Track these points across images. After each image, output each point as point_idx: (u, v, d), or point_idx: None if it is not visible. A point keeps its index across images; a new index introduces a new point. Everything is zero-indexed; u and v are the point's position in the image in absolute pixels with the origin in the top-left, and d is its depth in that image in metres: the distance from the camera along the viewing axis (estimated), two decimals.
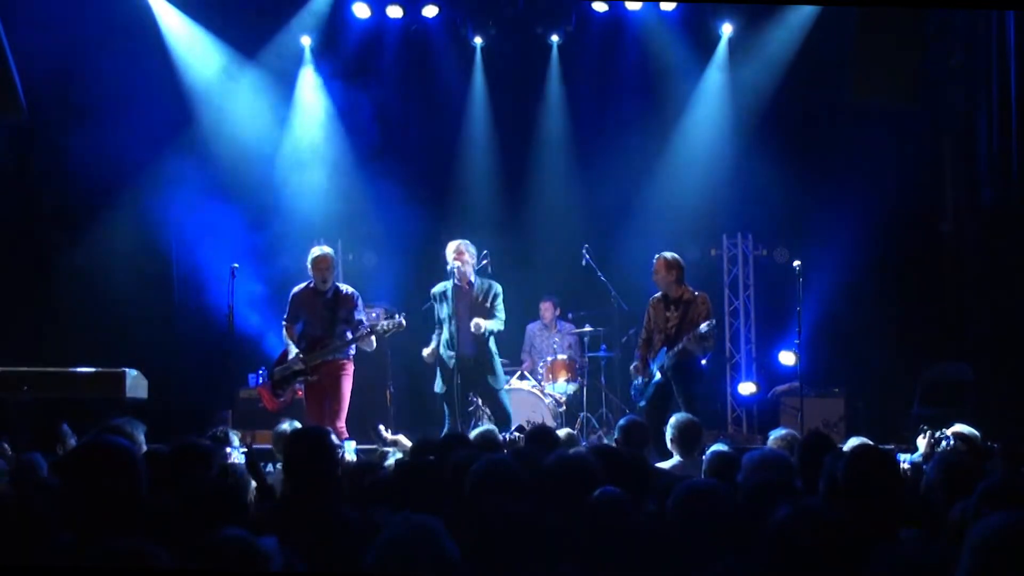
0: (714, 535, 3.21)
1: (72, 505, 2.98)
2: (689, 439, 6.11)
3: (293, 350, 8.09)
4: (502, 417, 8.29)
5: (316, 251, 8.15)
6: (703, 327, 7.93)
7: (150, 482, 3.22)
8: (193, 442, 4.60)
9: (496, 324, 8.39)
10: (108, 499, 2.96)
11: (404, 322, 8.01)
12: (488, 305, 8.42)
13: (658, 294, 8.44)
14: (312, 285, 8.08)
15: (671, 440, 6.17)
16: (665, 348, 8.17)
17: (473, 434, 5.85)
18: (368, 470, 4.96)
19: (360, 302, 8.15)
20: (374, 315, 9.24)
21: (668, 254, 8.36)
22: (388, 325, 7.96)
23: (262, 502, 4.41)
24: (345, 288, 8.17)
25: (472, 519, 3.31)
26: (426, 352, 8.52)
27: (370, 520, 3.63)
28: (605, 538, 3.23)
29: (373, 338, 7.99)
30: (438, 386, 8.46)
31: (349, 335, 7.97)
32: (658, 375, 8.17)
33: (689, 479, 4.06)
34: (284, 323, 8.30)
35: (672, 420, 6.25)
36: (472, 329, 8.23)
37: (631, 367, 8.58)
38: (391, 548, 2.57)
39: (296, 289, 8.23)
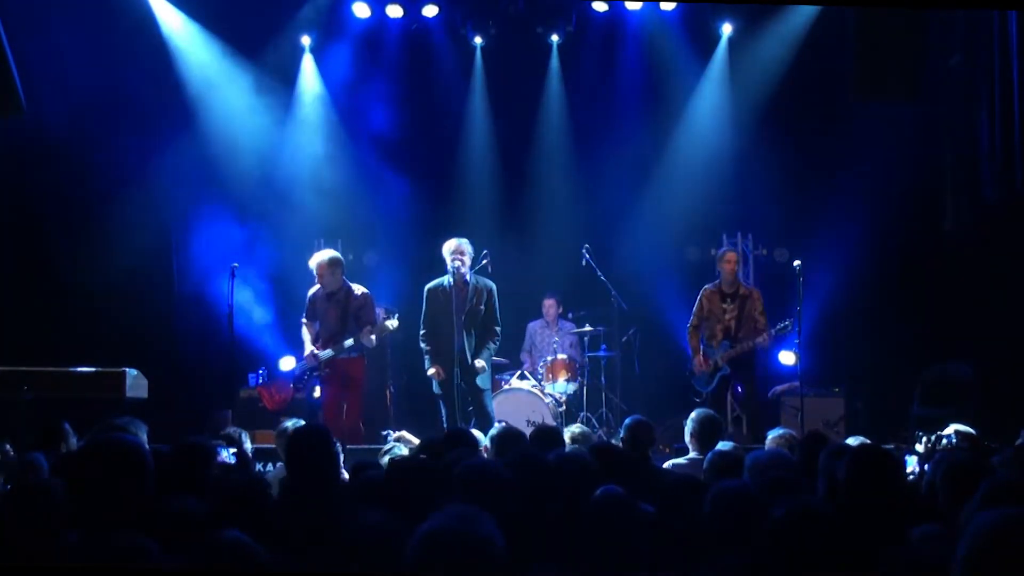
0: (739, 536, 3.18)
1: (79, 503, 2.97)
2: (708, 435, 6.09)
3: (308, 347, 8.40)
4: (483, 418, 8.31)
5: (312, 259, 8.45)
6: (779, 326, 8.46)
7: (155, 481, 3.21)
8: (194, 442, 4.59)
9: (491, 351, 8.55)
10: (115, 497, 2.94)
11: (397, 323, 8.30)
12: (482, 307, 8.44)
13: (711, 286, 8.89)
14: (324, 291, 8.43)
15: (689, 435, 6.15)
16: (727, 342, 8.63)
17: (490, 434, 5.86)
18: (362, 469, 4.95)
19: (371, 302, 8.45)
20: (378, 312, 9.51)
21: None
22: (388, 325, 8.24)
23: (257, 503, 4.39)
24: (357, 289, 8.45)
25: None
26: (432, 371, 8.47)
27: (368, 520, 3.62)
28: (606, 537, 3.21)
29: (373, 336, 8.24)
30: (435, 386, 8.47)
31: (354, 332, 8.23)
32: (726, 367, 8.62)
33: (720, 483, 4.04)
34: (303, 321, 8.56)
35: (692, 415, 6.23)
36: (477, 368, 8.35)
37: (694, 362, 8.87)
38: (434, 539, 2.47)
39: (312, 290, 8.53)
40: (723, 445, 5.66)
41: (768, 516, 3.06)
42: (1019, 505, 2.62)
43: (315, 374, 8.38)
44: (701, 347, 8.86)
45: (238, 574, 2.81)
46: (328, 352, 8.30)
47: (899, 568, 2.91)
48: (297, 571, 3.19)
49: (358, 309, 8.31)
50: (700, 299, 8.89)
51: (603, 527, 3.31)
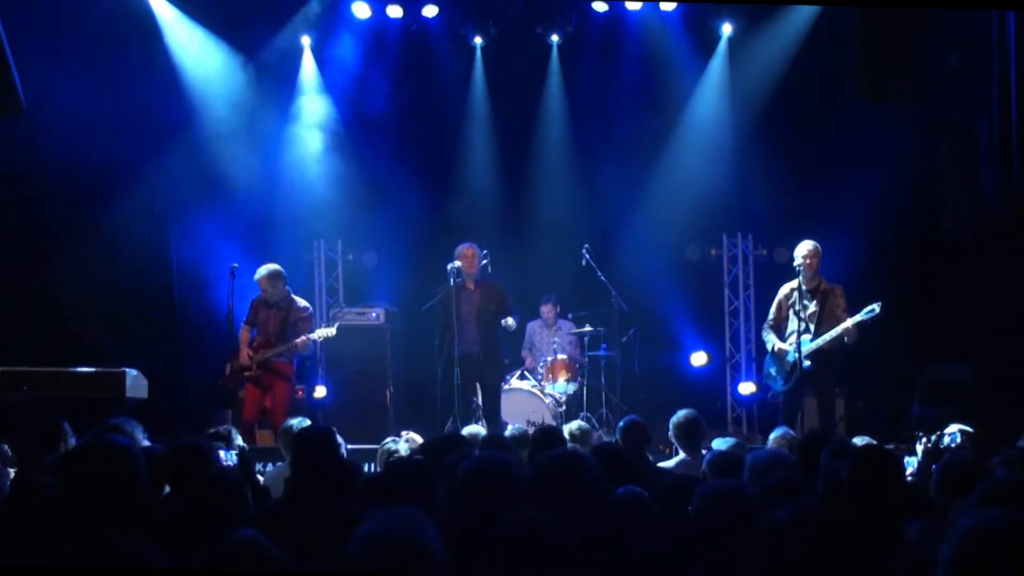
0: (739, 538, 3.17)
1: (73, 504, 2.98)
2: (693, 435, 6.11)
3: (244, 351, 8.72)
4: (492, 415, 8.47)
5: (257, 272, 8.79)
6: (866, 312, 8.12)
7: (149, 481, 3.21)
8: (192, 441, 4.60)
9: (512, 319, 8.99)
10: (108, 498, 2.95)
11: (334, 331, 8.87)
12: (495, 308, 8.80)
13: (792, 283, 8.54)
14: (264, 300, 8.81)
15: (675, 437, 6.17)
16: (811, 338, 8.29)
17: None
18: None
19: (310, 316, 8.93)
20: (373, 314, 10.26)
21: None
22: (324, 333, 8.76)
23: (258, 503, 4.39)
24: (300, 302, 8.90)
25: (468, 521, 3.29)
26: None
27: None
28: (628, 539, 3.19)
29: (308, 343, 8.77)
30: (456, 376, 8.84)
31: (289, 340, 8.67)
32: (807, 363, 8.27)
33: (710, 482, 4.04)
34: (243, 324, 8.84)
35: (674, 418, 6.25)
36: (511, 326, 8.91)
37: (774, 349, 8.51)
38: (371, 540, 2.53)
39: (256, 297, 8.86)
40: (723, 443, 5.67)
41: (768, 518, 3.06)
42: (1015, 506, 2.62)
43: (244, 374, 8.67)
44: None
45: (239, 574, 2.81)
46: (260, 355, 8.65)
47: (899, 568, 2.90)
48: (300, 571, 3.19)
49: (297, 321, 8.73)
50: (778, 299, 8.61)
51: (626, 528, 3.30)
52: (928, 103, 9.20)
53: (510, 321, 8.95)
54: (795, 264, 8.52)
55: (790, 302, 8.49)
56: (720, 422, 10.91)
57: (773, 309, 8.68)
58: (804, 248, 8.47)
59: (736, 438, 6.37)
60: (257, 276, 8.74)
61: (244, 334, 8.81)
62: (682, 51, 10.98)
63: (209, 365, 9.78)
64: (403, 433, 7.02)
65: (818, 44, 10.23)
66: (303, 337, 8.60)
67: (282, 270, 8.87)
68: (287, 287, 8.84)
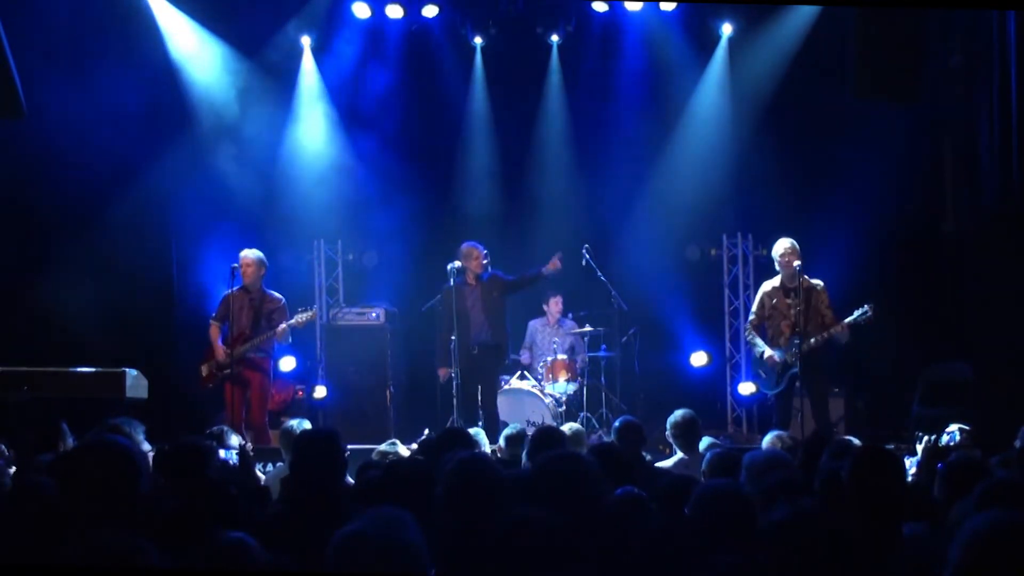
0: (737, 538, 3.17)
1: (70, 504, 2.98)
2: (690, 434, 6.12)
3: (219, 348, 8.58)
4: (490, 418, 8.60)
5: (244, 251, 8.69)
6: (858, 314, 8.03)
7: (148, 481, 3.21)
8: (192, 442, 4.60)
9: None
10: (106, 498, 2.95)
11: (311, 314, 8.71)
12: (496, 294, 9.04)
13: (774, 282, 8.49)
14: (242, 286, 8.64)
15: (672, 437, 6.19)
16: (797, 338, 8.18)
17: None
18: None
19: (284, 307, 8.70)
20: (373, 314, 10.29)
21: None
22: (303, 318, 8.58)
23: (258, 504, 4.40)
24: (273, 294, 8.76)
25: (459, 522, 3.29)
26: (443, 372, 9.20)
27: None
28: (627, 539, 3.19)
29: (288, 331, 8.56)
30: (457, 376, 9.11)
31: (266, 331, 8.55)
32: (797, 365, 8.18)
33: (707, 482, 4.04)
34: (212, 321, 8.74)
35: (671, 417, 6.26)
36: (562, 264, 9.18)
37: (764, 357, 8.43)
38: (353, 540, 2.53)
39: (227, 293, 8.67)
40: (707, 442, 5.70)
41: (766, 518, 3.05)
42: (1014, 506, 2.62)
43: (224, 372, 8.49)
44: (767, 345, 8.43)
45: (238, 574, 2.81)
46: (237, 351, 8.48)
47: (899, 568, 2.90)
48: (298, 572, 3.19)
49: (271, 312, 8.62)
50: (760, 297, 8.55)
51: (624, 528, 3.30)
52: (928, 103, 9.20)
53: (553, 265, 9.11)
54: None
55: (773, 301, 8.44)
56: (720, 422, 10.91)
57: (755, 307, 8.64)
58: (781, 247, 8.39)
59: (713, 438, 6.40)
60: (245, 254, 8.61)
61: (214, 331, 8.68)
62: (682, 51, 10.98)
63: None
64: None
65: (818, 44, 10.22)
66: (283, 325, 8.47)
67: (265, 259, 8.79)
68: (263, 280, 8.76)
